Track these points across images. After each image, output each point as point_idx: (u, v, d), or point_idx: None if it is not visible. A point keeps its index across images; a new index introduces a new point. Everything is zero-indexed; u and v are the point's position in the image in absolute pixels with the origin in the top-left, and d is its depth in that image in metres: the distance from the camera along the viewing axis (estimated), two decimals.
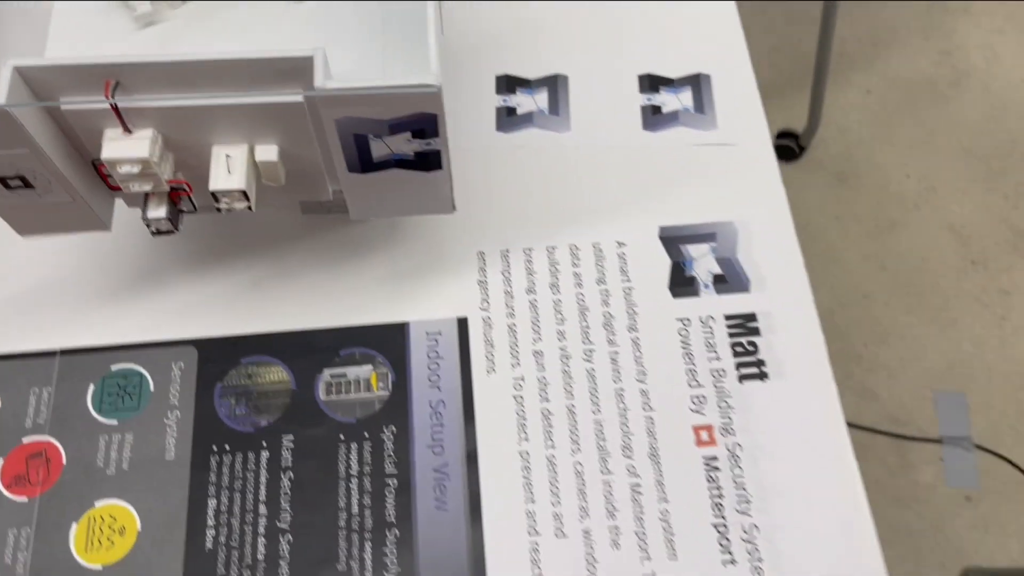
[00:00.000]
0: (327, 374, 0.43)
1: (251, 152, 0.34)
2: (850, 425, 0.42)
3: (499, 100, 0.51)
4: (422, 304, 0.44)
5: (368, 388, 0.42)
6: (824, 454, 0.41)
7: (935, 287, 1.13)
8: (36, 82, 0.31)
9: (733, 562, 0.39)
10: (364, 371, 0.43)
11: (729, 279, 0.45)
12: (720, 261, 0.46)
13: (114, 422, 0.41)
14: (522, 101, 0.50)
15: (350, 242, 0.46)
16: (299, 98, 0.32)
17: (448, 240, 0.46)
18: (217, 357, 0.43)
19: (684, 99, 0.50)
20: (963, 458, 1.03)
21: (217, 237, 0.46)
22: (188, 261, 0.45)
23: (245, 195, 0.34)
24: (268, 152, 0.34)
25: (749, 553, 0.39)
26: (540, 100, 0.50)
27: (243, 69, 0.31)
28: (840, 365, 0.46)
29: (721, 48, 0.52)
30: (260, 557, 0.39)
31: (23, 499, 0.40)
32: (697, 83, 0.51)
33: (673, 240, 0.46)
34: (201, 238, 0.45)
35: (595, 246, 0.46)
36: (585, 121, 0.50)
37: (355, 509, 0.40)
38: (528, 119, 0.50)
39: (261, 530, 0.39)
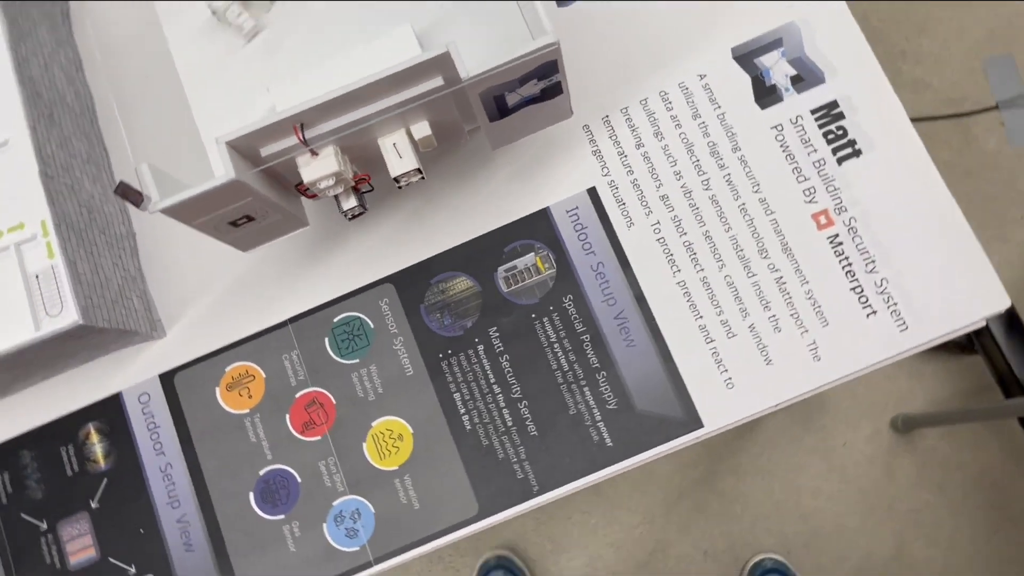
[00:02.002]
0: (501, 271, 0.51)
1: (409, 133, 0.41)
2: (911, 120, 0.49)
3: None
4: (553, 188, 0.52)
5: (537, 272, 0.51)
6: (923, 200, 0.49)
7: None
8: (242, 146, 0.38)
9: (874, 312, 0.48)
10: (529, 259, 0.51)
11: (804, 76, 0.51)
12: (792, 62, 0.51)
13: (356, 360, 0.51)
14: None
15: (475, 154, 0.53)
16: (440, 82, 0.38)
17: (554, 124, 0.53)
18: (410, 284, 0.52)
19: None
20: (1021, 116, 1.09)
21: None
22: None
23: (419, 171, 0.41)
24: (422, 129, 0.41)
25: (885, 302, 0.48)
26: None
27: (393, 79, 0.38)
28: (887, 64, 0.52)
29: None
30: (509, 423, 0.50)
31: (317, 438, 0.51)
32: None
33: (746, 57, 0.52)
34: None
35: (681, 86, 0.52)
36: None
37: (565, 367, 0.50)
38: None
39: (502, 404, 0.50)
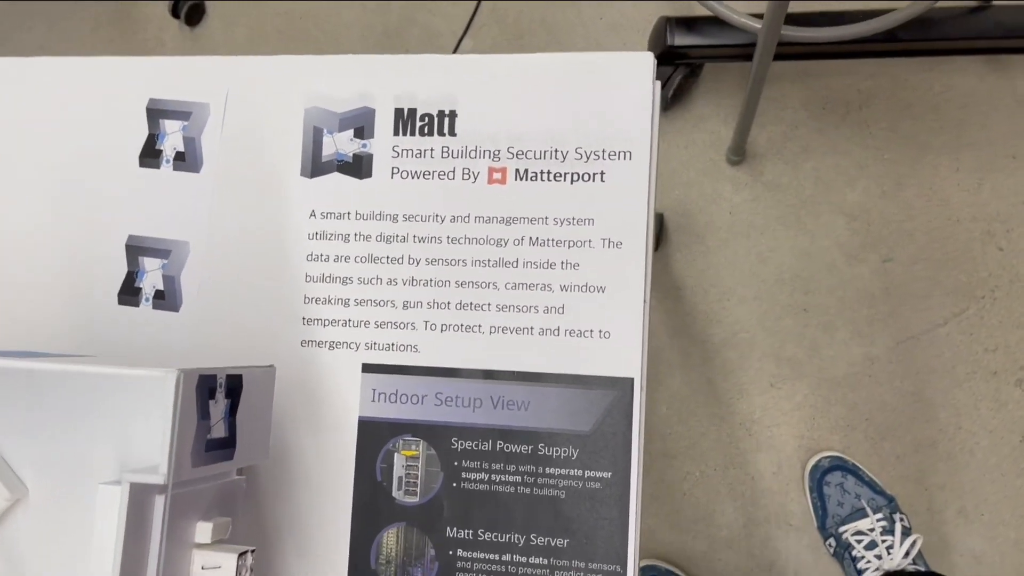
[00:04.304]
0: (399, 495, 0.48)
1: (201, 545, 0.38)
2: None
3: None
4: (347, 407, 0.49)
5: (415, 459, 0.48)
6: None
7: None
8: None
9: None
10: (400, 462, 0.48)
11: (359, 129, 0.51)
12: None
13: None
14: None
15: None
16: (161, 498, 0.35)
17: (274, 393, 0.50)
18: None
19: None
20: None
21: None
22: None
23: (245, 551, 0.38)
24: (204, 531, 0.38)
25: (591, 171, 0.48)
26: None
27: (132, 541, 0.34)
28: None
29: None
30: (543, 563, 0.47)
31: None
32: None
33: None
34: None
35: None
36: None
37: (517, 478, 0.47)
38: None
39: (521, 559, 0.47)
